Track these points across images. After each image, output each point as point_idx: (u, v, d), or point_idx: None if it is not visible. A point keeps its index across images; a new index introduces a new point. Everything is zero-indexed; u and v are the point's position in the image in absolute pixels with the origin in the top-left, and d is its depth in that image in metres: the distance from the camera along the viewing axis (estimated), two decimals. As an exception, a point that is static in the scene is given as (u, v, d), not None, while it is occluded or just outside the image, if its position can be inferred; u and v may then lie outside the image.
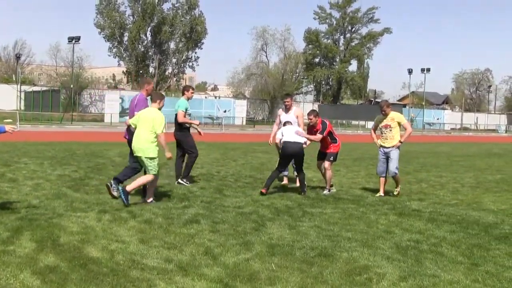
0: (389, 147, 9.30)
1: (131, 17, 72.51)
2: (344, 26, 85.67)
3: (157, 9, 71.83)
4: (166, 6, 73.66)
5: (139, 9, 71.06)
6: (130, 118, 8.27)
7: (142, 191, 8.22)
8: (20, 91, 53.07)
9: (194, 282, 4.54)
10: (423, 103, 74.34)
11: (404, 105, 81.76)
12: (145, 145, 7.64)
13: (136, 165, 8.26)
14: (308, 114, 9.76)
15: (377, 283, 4.70)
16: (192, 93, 10.29)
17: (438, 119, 77.54)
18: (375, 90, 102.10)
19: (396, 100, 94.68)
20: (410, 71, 68.35)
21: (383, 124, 9.34)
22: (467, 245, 6.14)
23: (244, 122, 59.43)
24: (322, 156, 9.84)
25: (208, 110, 56.09)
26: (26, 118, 44.90)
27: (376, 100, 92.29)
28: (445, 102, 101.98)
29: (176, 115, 9.89)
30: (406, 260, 5.43)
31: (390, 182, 9.77)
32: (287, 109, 10.60)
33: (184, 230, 6.32)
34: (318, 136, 9.52)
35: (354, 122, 68.64)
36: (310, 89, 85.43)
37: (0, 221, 6.31)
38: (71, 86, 50.34)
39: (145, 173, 8.10)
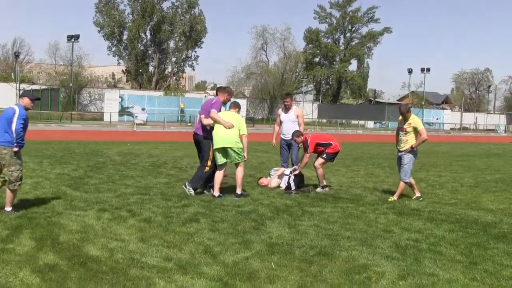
0: (402, 151, 9.19)
1: (130, 16, 72.50)
2: (344, 26, 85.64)
3: (157, 7, 71.75)
4: (165, 4, 74.09)
5: (139, 7, 70.98)
6: (202, 115, 8.97)
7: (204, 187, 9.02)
8: (19, 90, 53.02)
9: (193, 281, 4.55)
10: (423, 103, 74.32)
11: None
12: (236, 139, 8.76)
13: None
14: (291, 137, 9.98)
15: (376, 282, 4.71)
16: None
17: (437, 119, 77.57)
18: (375, 90, 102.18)
19: (396, 100, 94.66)
20: (410, 71, 68.31)
21: (401, 126, 9.21)
22: (465, 244, 6.16)
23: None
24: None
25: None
26: (25, 116, 44.80)
27: (376, 99, 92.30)
28: (445, 102, 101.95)
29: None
30: (405, 259, 5.44)
31: (392, 184, 9.74)
32: (286, 109, 10.60)
33: (183, 229, 6.33)
34: (306, 156, 9.72)
35: (353, 122, 68.63)
36: (310, 88, 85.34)
37: (0, 220, 6.32)
38: (70, 84, 50.31)
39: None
